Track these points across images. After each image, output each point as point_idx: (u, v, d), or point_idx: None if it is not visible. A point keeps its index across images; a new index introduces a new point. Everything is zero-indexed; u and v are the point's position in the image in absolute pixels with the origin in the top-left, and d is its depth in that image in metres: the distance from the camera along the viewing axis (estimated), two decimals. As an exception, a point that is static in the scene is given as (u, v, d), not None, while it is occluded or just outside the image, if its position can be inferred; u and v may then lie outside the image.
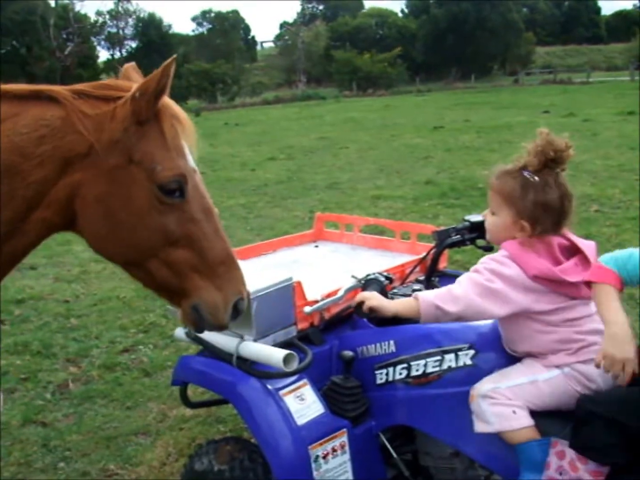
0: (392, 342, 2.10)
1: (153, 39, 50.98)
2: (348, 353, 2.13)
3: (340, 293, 2.27)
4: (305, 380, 2.09)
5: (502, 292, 1.79)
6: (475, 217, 2.40)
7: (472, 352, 1.96)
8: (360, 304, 2.06)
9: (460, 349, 1.97)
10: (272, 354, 1.97)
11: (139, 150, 1.52)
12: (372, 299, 2.03)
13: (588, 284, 1.75)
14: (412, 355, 2.05)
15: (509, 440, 1.81)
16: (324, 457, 2.00)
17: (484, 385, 1.87)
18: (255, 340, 2.08)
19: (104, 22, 54.89)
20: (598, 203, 7.62)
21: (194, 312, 1.65)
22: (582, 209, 7.28)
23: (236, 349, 2.05)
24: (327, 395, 2.14)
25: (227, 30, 62.13)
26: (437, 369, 2.00)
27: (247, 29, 74.13)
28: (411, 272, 2.54)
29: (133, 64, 1.72)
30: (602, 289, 1.70)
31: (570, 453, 1.70)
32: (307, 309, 2.22)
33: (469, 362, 1.96)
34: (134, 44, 54.82)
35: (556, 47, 68.40)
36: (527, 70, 53.95)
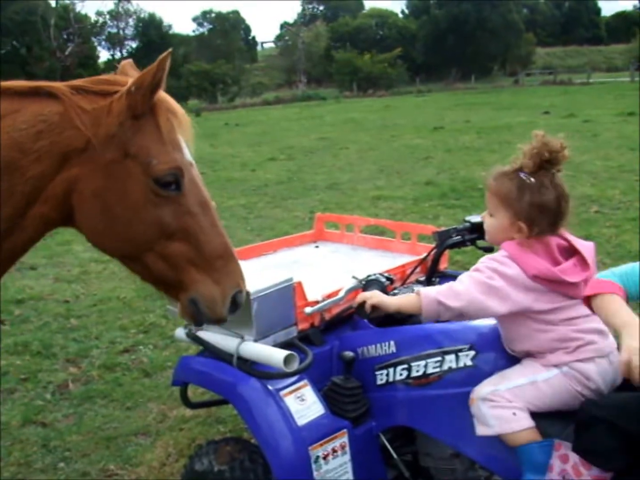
0: (392, 342, 2.10)
1: (153, 39, 50.95)
2: (348, 354, 2.13)
3: (341, 294, 2.27)
4: (305, 381, 2.09)
5: (503, 290, 1.80)
6: (475, 218, 2.40)
7: (472, 352, 1.96)
8: (362, 304, 2.06)
9: (460, 350, 1.97)
10: (272, 354, 1.97)
11: (134, 144, 1.53)
12: (373, 297, 2.04)
13: (588, 299, 1.71)
14: (413, 356, 2.04)
15: (510, 443, 1.81)
16: (325, 458, 1.99)
17: (484, 388, 1.87)
18: (255, 341, 2.07)
19: (104, 23, 54.94)
20: (598, 204, 7.61)
21: (191, 306, 1.65)
22: (582, 209, 7.28)
23: (236, 350, 2.05)
24: (327, 395, 2.14)
25: (228, 31, 62.14)
26: (437, 369, 2.00)
27: (247, 29, 74.17)
28: (412, 272, 2.54)
29: (130, 60, 1.74)
30: (607, 299, 1.65)
31: (574, 457, 1.69)
32: (308, 309, 2.22)
33: (469, 362, 1.96)
34: (134, 44, 54.86)
35: (556, 48, 68.41)
36: (528, 71, 53.96)
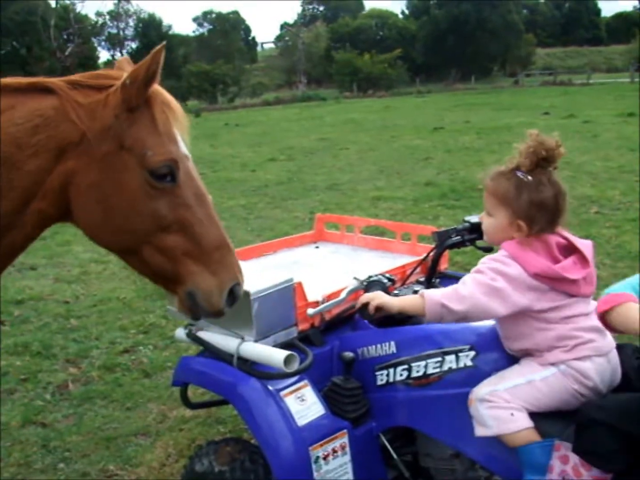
0: (392, 343, 2.10)
1: (153, 40, 50.83)
2: (349, 354, 2.12)
3: (342, 295, 2.27)
4: (305, 381, 2.09)
5: (505, 291, 1.80)
6: (474, 218, 2.39)
7: (472, 353, 1.96)
8: (365, 305, 2.06)
9: (460, 350, 1.97)
10: (272, 354, 1.97)
11: (130, 136, 1.54)
12: (376, 298, 2.04)
13: (603, 315, 1.72)
14: (413, 357, 2.04)
15: (510, 443, 1.80)
16: (325, 458, 1.99)
17: (482, 389, 1.87)
18: (255, 341, 2.07)
19: (104, 23, 54.99)
20: (598, 204, 7.62)
21: (189, 299, 1.66)
22: (582, 210, 7.29)
23: (237, 350, 2.05)
24: (327, 396, 2.14)
25: (228, 31, 62.19)
26: (437, 370, 2.00)
27: (247, 29, 74.25)
28: (412, 273, 2.54)
29: (127, 57, 1.77)
30: (623, 308, 1.66)
31: (574, 458, 1.69)
32: (310, 311, 2.22)
33: (469, 363, 1.96)
34: (134, 45, 54.90)
35: (556, 49, 68.49)
36: (527, 71, 54.00)
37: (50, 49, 43.76)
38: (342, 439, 2.04)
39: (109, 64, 49.74)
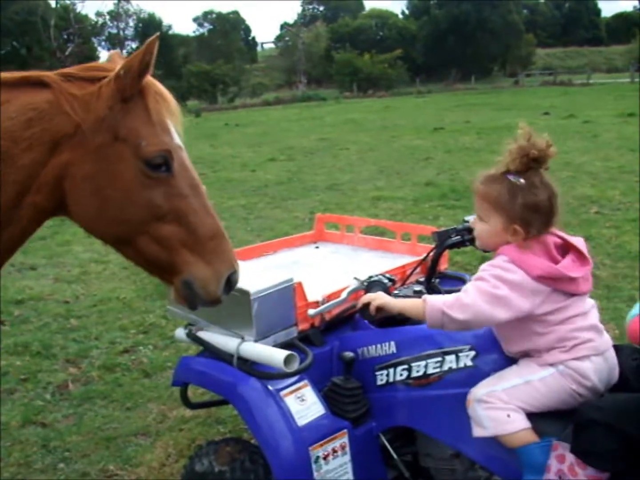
0: (392, 343, 2.10)
1: (153, 40, 50.96)
2: (349, 354, 2.12)
3: (343, 295, 2.26)
4: (305, 381, 2.09)
5: (508, 297, 1.77)
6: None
7: (472, 353, 1.96)
8: (366, 306, 2.06)
9: (461, 350, 1.97)
10: (272, 354, 1.97)
11: (124, 127, 1.54)
12: (377, 298, 2.03)
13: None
14: (413, 357, 2.04)
15: (508, 444, 1.80)
16: (325, 458, 1.99)
17: (480, 390, 1.86)
18: (255, 341, 2.07)
19: (104, 23, 55.01)
20: (598, 205, 7.61)
21: (185, 288, 1.66)
22: (582, 210, 7.29)
23: (237, 350, 2.05)
24: (327, 396, 2.14)
25: (228, 31, 62.18)
26: (437, 370, 2.00)
27: (247, 29, 74.26)
28: (412, 273, 2.54)
29: (118, 51, 1.80)
30: None
31: (570, 457, 1.69)
32: (311, 311, 2.22)
33: (469, 363, 1.96)
34: (134, 45, 54.87)
35: (556, 49, 68.51)
36: (528, 71, 54.02)
37: (50, 49, 43.78)
38: (342, 439, 2.04)
39: (109, 64, 49.79)
